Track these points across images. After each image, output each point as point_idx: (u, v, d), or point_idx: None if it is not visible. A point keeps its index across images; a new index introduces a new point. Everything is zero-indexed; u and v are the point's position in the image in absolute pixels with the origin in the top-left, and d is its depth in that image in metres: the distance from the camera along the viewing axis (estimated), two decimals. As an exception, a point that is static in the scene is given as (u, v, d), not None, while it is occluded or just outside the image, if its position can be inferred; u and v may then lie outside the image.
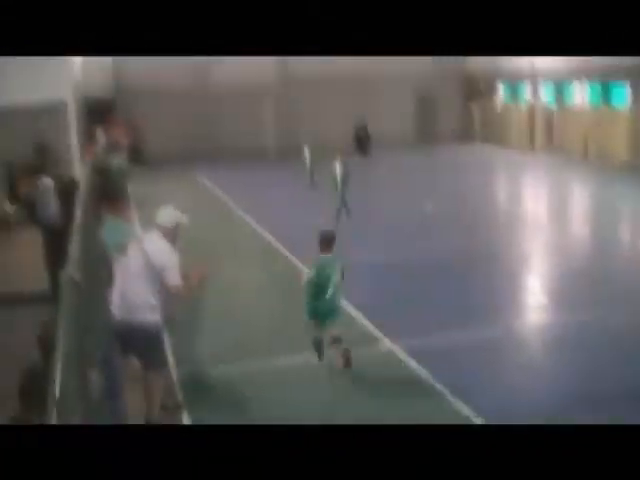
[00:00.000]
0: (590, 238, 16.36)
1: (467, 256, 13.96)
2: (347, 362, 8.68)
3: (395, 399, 7.86)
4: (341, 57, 31.11)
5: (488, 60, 31.99)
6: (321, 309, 8.62)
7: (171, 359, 8.83)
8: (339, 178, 17.81)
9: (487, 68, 32.70)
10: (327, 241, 8.83)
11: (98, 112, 27.39)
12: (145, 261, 7.00)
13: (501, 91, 33.56)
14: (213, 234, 16.60)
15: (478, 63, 33.39)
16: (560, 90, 29.05)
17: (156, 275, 6.97)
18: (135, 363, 7.29)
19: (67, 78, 20.34)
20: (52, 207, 13.37)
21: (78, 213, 11.50)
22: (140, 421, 6.92)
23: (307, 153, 23.38)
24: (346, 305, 10.60)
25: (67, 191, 14.22)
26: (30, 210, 14.64)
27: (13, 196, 17.75)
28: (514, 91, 32.43)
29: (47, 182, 13.82)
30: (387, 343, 9.42)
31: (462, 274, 12.82)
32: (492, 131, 33.38)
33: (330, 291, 8.46)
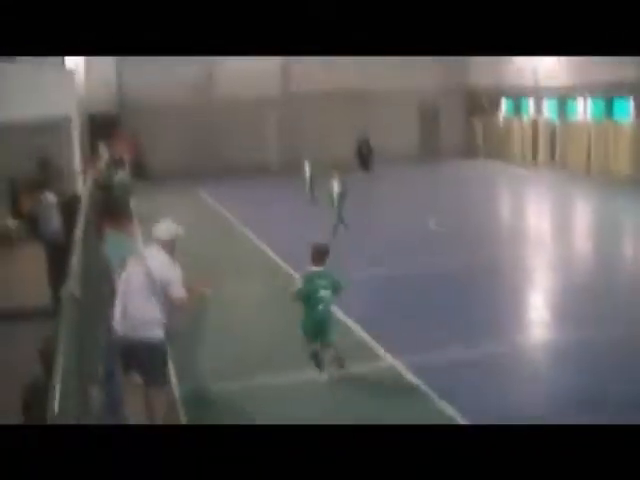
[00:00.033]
0: (593, 253, 16.31)
1: (470, 271, 13.94)
2: (339, 363, 8.63)
3: (396, 412, 7.81)
4: (344, 72, 31.43)
5: (491, 75, 32.06)
6: (310, 325, 8.57)
7: (172, 375, 8.81)
8: (335, 195, 17.87)
9: (490, 83, 32.79)
10: (320, 254, 8.77)
11: (101, 127, 27.55)
12: (147, 277, 6.98)
13: (504, 106, 33.62)
14: (214, 249, 16.60)
15: (481, 78, 33.47)
16: (563, 105, 29.09)
17: (159, 290, 6.96)
18: (137, 379, 7.27)
19: (71, 93, 20.44)
20: (55, 222, 13.39)
21: (80, 228, 11.51)
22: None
23: (307, 168, 23.28)
24: (345, 319, 10.60)
25: (70, 206, 14.24)
26: (33, 225, 14.67)
27: (16, 211, 17.79)
28: (517, 106, 32.47)
29: (50, 197, 13.86)
30: (389, 358, 9.39)
31: (465, 289, 12.79)
32: (495, 146, 33.38)
33: (321, 307, 8.43)
